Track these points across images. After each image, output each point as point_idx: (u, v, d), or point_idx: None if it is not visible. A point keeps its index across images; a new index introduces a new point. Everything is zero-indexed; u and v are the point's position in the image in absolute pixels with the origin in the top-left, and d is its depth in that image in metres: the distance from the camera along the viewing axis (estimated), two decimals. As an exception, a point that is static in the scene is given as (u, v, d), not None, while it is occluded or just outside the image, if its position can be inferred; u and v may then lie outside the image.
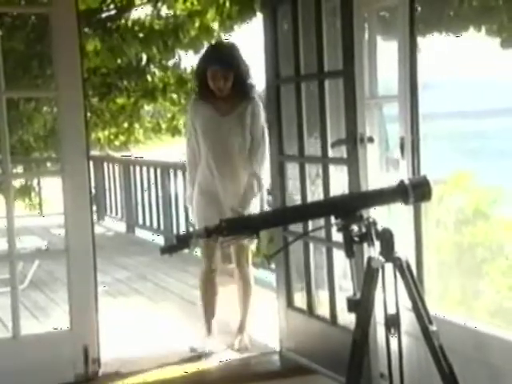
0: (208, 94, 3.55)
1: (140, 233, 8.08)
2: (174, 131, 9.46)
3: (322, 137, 3.19)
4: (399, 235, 2.27)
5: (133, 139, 9.47)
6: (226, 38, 7.12)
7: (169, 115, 9.45)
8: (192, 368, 3.49)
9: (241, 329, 3.79)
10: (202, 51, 4.08)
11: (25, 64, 6.91)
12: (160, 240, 7.42)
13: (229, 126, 3.53)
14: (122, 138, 9.39)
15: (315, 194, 3.34)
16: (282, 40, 3.38)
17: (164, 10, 7.71)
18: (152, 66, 8.27)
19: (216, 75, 3.48)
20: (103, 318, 3.45)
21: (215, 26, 7.18)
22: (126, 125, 9.17)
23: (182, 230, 6.89)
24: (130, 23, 7.51)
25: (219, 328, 4.14)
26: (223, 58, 3.49)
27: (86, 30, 7.03)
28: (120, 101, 8.65)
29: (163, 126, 9.51)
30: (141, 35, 7.42)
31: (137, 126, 9.31)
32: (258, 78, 3.59)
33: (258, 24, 3.70)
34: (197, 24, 7.31)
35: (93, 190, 7.17)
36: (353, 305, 2.12)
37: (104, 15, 7.54)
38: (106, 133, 9.32)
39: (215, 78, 3.48)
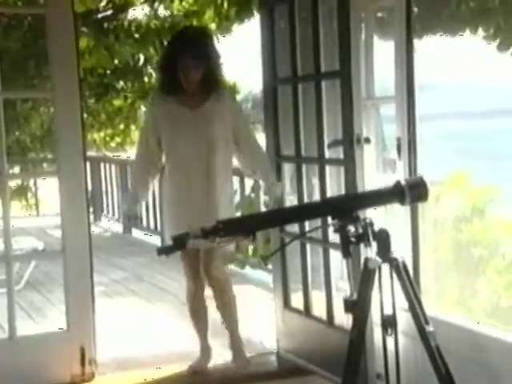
0: (175, 88, 3.10)
1: (137, 233, 8.07)
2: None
3: (318, 137, 3.19)
4: (396, 236, 2.27)
5: (129, 141, 9.46)
6: (223, 37, 7.13)
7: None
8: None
9: (234, 345, 3.44)
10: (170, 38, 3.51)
11: (21, 64, 6.90)
12: (157, 241, 7.41)
13: (204, 120, 3.11)
14: (117, 139, 9.39)
15: (312, 195, 3.34)
16: (280, 40, 3.38)
17: (161, 11, 7.71)
18: (149, 67, 8.27)
19: (188, 67, 3.04)
20: (100, 318, 3.45)
21: (213, 26, 7.18)
22: (122, 126, 9.17)
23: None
24: (126, 23, 7.51)
25: (217, 329, 4.14)
26: (196, 48, 3.06)
27: (83, 29, 7.03)
28: (117, 102, 8.65)
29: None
30: (137, 35, 7.42)
31: (133, 127, 9.30)
32: (255, 79, 3.57)
33: (255, 24, 3.65)
34: (194, 24, 7.31)
35: (89, 190, 7.15)
36: (349, 305, 2.12)
37: (100, 15, 7.54)
38: (102, 134, 9.32)
39: (186, 69, 3.04)
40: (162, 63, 3.29)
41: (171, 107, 3.14)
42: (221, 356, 3.65)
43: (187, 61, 3.04)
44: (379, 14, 3.42)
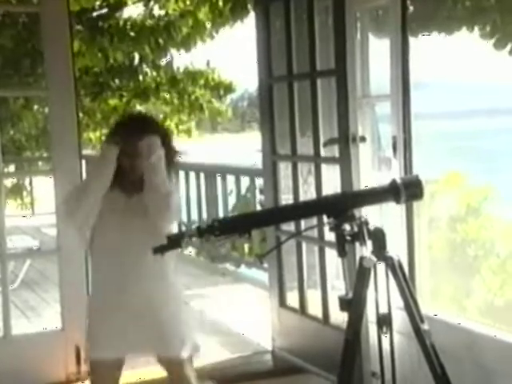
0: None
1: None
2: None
3: (314, 136, 3.19)
4: (391, 234, 2.27)
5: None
6: (218, 35, 7.12)
7: (161, 116, 9.43)
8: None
9: None
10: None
11: (16, 63, 6.88)
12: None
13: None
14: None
15: (307, 193, 3.34)
16: (275, 39, 3.38)
17: (156, 10, 7.70)
18: (144, 66, 8.26)
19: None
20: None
21: (208, 24, 7.17)
22: (117, 126, 9.15)
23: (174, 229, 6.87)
24: (121, 22, 7.49)
25: (212, 328, 4.14)
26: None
27: (78, 27, 7.01)
28: (112, 101, 8.63)
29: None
30: (132, 34, 7.40)
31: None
32: (251, 77, 3.56)
33: (251, 22, 3.64)
34: (189, 22, 7.31)
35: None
36: (345, 304, 2.12)
37: (95, 14, 7.52)
38: (98, 134, 9.29)
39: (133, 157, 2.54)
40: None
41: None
42: (217, 354, 3.65)
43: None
44: (374, 13, 3.41)
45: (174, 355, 2.54)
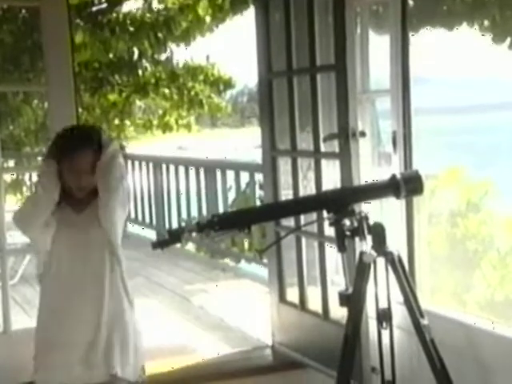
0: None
1: (132, 227, 8.06)
2: (166, 128, 9.44)
3: (314, 131, 3.18)
4: (391, 229, 2.27)
5: (123, 136, 9.43)
6: (218, 30, 7.12)
7: (160, 111, 9.43)
8: (184, 362, 3.49)
9: None
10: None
11: (15, 58, 6.87)
12: (152, 235, 7.41)
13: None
14: (112, 134, 9.35)
15: (307, 189, 3.34)
16: (275, 33, 3.37)
17: (155, 4, 7.69)
18: (144, 61, 8.24)
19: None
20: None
21: (207, 18, 7.16)
22: (116, 121, 9.14)
23: (174, 224, 6.89)
24: (121, 16, 7.48)
25: (212, 323, 4.14)
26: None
27: (78, 21, 7.00)
28: (111, 97, 8.62)
29: (154, 122, 9.50)
30: (132, 29, 7.39)
31: (128, 122, 9.27)
32: (251, 72, 3.54)
33: (250, 17, 3.62)
34: (189, 16, 7.29)
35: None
36: (345, 299, 2.12)
37: (95, 8, 7.51)
38: (96, 130, 9.28)
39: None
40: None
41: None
42: (217, 349, 3.66)
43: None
44: (374, 8, 3.41)
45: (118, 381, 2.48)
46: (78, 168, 2.45)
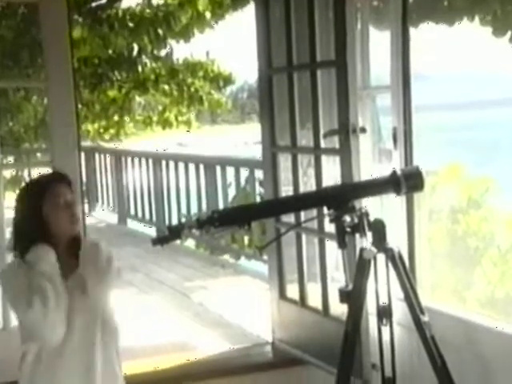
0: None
1: (132, 224, 8.06)
2: (165, 124, 9.43)
3: (314, 127, 3.17)
4: (391, 226, 2.26)
5: (122, 133, 9.42)
6: (217, 25, 7.11)
7: (160, 107, 9.42)
8: (184, 359, 3.49)
9: None
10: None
11: (15, 54, 6.86)
12: (152, 231, 7.40)
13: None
14: (111, 131, 9.34)
15: (307, 185, 3.33)
16: (275, 29, 3.36)
17: (155, 0, 7.67)
18: (144, 57, 8.23)
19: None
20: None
21: (207, 14, 7.15)
22: (116, 118, 9.13)
23: (174, 221, 6.88)
24: (120, 12, 7.46)
25: (212, 320, 4.14)
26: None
27: (77, 17, 6.98)
28: (111, 93, 8.61)
29: (154, 118, 9.49)
30: (131, 24, 7.38)
31: (127, 119, 9.26)
32: (251, 68, 3.53)
33: (251, 12, 3.61)
34: (188, 12, 7.28)
35: (84, 181, 7.14)
36: (345, 296, 2.11)
37: (95, 4, 7.49)
38: (96, 126, 9.27)
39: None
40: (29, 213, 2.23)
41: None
42: (217, 346, 3.65)
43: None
44: (375, 3, 3.39)
45: None
46: (65, 198, 2.21)
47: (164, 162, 7.28)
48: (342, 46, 2.93)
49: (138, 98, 9.08)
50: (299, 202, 2.48)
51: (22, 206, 2.27)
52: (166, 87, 8.59)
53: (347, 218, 2.14)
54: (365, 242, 2.12)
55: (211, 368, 3.44)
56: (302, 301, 3.34)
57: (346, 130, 2.97)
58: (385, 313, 2.15)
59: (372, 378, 2.83)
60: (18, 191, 2.43)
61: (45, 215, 2.21)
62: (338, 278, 3.02)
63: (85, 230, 3.33)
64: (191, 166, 6.81)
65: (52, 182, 2.27)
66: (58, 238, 2.23)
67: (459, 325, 2.63)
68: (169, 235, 2.21)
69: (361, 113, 3.04)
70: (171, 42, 7.82)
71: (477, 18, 4.55)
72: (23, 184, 2.70)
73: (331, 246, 3.07)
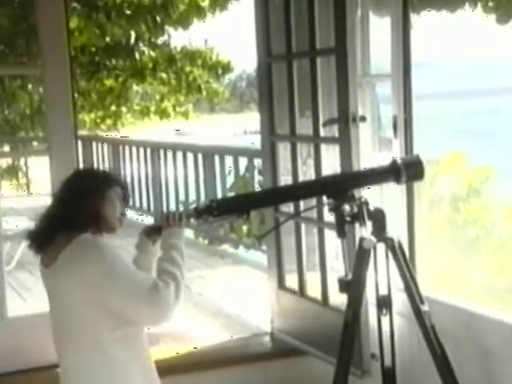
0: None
1: (130, 214, 8.04)
2: (163, 114, 9.37)
3: (313, 116, 3.14)
4: (391, 215, 2.24)
5: (119, 123, 9.36)
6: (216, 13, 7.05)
7: (157, 96, 9.36)
8: (184, 349, 3.48)
9: None
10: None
11: (11, 41, 6.81)
12: (150, 221, 7.39)
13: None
14: (108, 121, 9.28)
15: (307, 174, 3.31)
16: (274, 16, 3.32)
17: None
18: (141, 45, 8.17)
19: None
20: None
21: (206, 2, 7.09)
22: (113, 108, 9.07)
23: (172, 210, 6.86)
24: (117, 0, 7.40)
25: (211, 310, 4.13)
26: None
27: (74, 4, 6.92)
28: (108, 82, 8.55)
29: (151, 108, 9.43)
30: (128, 12, 7.31)
31: (124, 109, 9.20)
32: (250, 57, 3.49)
33: (250, 0, 3.56)
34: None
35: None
36: (344, 285, 2.10)
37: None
38: (93, 116, 9.21)
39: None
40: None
41: None
42: (216, 336, 3.64)
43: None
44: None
45: None
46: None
47: (162, 151, 7.25)
48: (342, 32, 2.89)
49: (135, 87, 9.03)
50: (298, 191, 2.46)
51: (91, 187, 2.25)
52: (164, 75, 8.53)
53: (347, 207, 2.12)
54: (364, 231, 2.10)
55: (210, 358, 3.43)
56: (301, 291, 3.32)
57: (345, 119, 2.94)
58: (384, 302, 2.14)
59: (372, 368, 2.82)
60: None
61: (105, 202, 2.25)
62: (337, 267, 3.00)
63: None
64: (189, 155, 6.78)
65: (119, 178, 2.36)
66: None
67: (459, 314, 2.62)
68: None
69: (361, 101, 3.01)
70: (169, 29, 7.76)
71: (479, 5, 4.50)
72: (90, 168, 2.65)
73: (331, 236, 3.05)
